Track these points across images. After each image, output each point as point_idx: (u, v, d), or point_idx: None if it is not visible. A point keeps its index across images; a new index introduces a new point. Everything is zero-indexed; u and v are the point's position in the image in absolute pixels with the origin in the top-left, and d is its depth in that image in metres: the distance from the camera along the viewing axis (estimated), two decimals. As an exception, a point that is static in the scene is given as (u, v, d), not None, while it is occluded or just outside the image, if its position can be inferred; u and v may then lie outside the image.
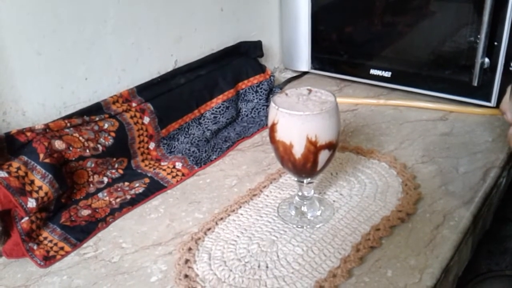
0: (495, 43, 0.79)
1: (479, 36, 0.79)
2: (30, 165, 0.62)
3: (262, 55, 0.99)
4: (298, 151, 0.55)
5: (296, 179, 0.61)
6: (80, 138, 0.68)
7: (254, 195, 0.67)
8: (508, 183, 0.77)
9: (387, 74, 0.93)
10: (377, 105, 0.91)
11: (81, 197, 0.69)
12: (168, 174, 0.73)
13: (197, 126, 0.84)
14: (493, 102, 0.82)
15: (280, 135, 0.56)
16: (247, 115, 0.91)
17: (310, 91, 0.59)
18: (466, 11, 0.83)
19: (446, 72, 0.87)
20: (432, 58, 0.89)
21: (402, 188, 0.66)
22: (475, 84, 0.82)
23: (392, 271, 0.53)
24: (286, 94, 0.59)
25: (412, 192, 0.65)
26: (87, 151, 0.68)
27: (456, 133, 0.80)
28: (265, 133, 0.84)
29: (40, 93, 0.69)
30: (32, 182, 0.61)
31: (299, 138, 0.55)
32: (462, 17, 0.84)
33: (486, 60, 0.80)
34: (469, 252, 0.65)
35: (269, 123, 0.57)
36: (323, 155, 0.56)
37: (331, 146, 0.56)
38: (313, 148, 0.55)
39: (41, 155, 0.63)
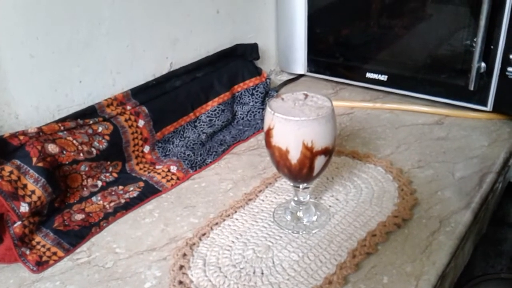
0: (492, 47, 0.79)
1: (475, 40, 0.78)
2: (23, 169, 0.61)
3: (258, 57, 0.98)
4: (294, 156, 0.55)
5: (292, 184, 0.61)
6: (74, 141, 0.67)
7: (250, 199, 0.67)
8: (504, 187, 0.77)
9: (383, 77, 0.93)
10: (373, 108, 0.91)
11: (75, 201, 0.68)
12: (163, 177, 0.73)
13: (192, 129, 0.84)
14: (489, 107, 0.82)
15: (276, 140, 0.55)
16: (242, 118, 0.90)
17: (306, 96, 0.59)
18: (463, 15, 0.83)
19: (442, 76, 0.87)
20: (428, 62, 0.88)
21: (398, 193, 0.66)
22: (472, 88, 0.81)
23: (388, 278, 0.53)
24: (282, 99, 0.58)
25: (408, 197, 0.65)
26: (81, 154, 0.67)
27: (452, 137, 0.80)
28: (261, 136, 0.84)
29: (33, 96, 0.68)
30: (25, 186, 0.60)
31: (295, 143, 0.54)
32: (458, 20, 0.84)
33: (483, 64, 0.80)
34: (466, 258, 0.64)
35: (265, 128, 0.57)
36: (319, 161, 0.56)
37: (327, 152, 0.56)
38: (309, 154, 0.54)
39: (34, 159, 0.62)
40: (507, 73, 0.78)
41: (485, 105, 0.83)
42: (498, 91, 0.80)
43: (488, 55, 0.79)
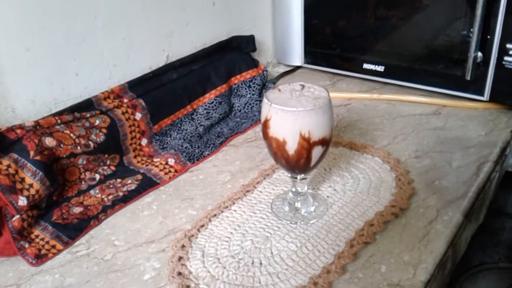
0: (488, 37, 0.79)
1: (472, 30, 0.78)
2: (21, 163, 0.61)
3: (255, 49, 0.98)
4: (291, 147, 0.55)
5: (289, 175, 0.61)
6: (71, 135, 0.67)
7: (248, 191, 0.67)
8: (501, 177, 0.77)
9: (380, 68, 0.93)
10: (370, 99, 0.91)
11: (73, 194, 0.68)
12: (160, 170, 0.73)
13: (189, 122, 0.84)
14: (486, 96, 0.82)
15: (273, 131, 0.55)
16: (240, 110, 0.90)
17: (303, 86, 0.59)
18: (459, 4, 0.83)
19: (439, 66, 0.87)
20: (425, 52, 0.88)
21: (396, 183, 0.66)
22: (468, 78, 0.81)
23: (386, 267, 0.53)
24: (279, 90, 0.58)
25: (405, 187, 0.65)
26: (78, 148, 0.67)
27: (449, 127, 0.80)
28: (258, 128, 0.84)
29: (30, 90, 0.68)
30: (23, 179, 0.61)
31: (292, 134, 0.54)
32: (455, 10, 0.83)
33: (479, 54, 0.80)
34: (463, 247, 0.65)
35: (262, 119, 0.57)
36: (317, 151, 0.56)
37: (325, 142, 0.56)
38: (306, 145, 0.54)
39: (32, 153, 0.62)
40: (503, 63, 0.78)
41: (482, 94, 0.83)
42: (495, 80, 0.81)
43: (484, 45, 0.79)
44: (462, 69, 0.82)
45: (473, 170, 0.68)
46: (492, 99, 0.82)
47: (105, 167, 0.72)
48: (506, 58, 0.78)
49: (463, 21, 0.82)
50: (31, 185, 0.61)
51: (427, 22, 0.87)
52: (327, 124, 0.55)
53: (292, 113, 0.54)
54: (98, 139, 0.70)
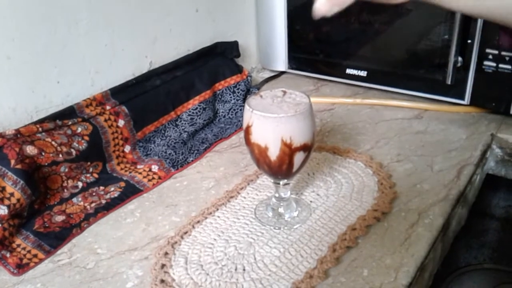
0: (469, 42, 0.80)
1: (452, 35, 0.79)
2: (1, 172, 0.60)
3: (238, 55, 0.98)
4: (273, 153, 0.55)
5: (272, 180, 0.61)
6: (53, 142, 0.67)
7: (231, 197, 0.67)
8: (482, 179, 0.78)
9: (363, 73, 0.94)
10: (353, 104, 0.92)
11: (55, 203, 0.67)
12: (144, 177, 0.73)
13: (173, 128, 0.83)
14: (466, 100, 0.83)
15: (255, 137, 0.56)
16: (224, 116, 0.90)
17: (284, 92, 0.59)
18: (440, 10, 0.84)
19: (421, 71, 0.88)
20: (407, 57, 0.89)
21: (378, 187, 0.67)
22: (449, 82, 0.82)
23: (368, 271, 0.53)
24: (261, 96, 0.59)
25: (387, 191, 0.65)
26: (60, 155, 0.67)
27: (431, 131, 0.81)
28: (243, 134, 0.84)
29: (10, 98, 0.68)
30: (4, 188, 0.60)
31: (274, 140, 0.55)
32: (436, 15, 0.84)
33: (459, 58, 0.81)
34: (445, 249, 0.65)
35: (244, 125, 0.57)
36: (299, 157, 0.56)
37: (306, 148, 0.56)
38: (288, 150, 0.55)
39: (12, 161, 0.61)
40: (483, 67, 0.80)
41: (463, 98, 0.84)
42: (475, 84, 0.82)
43: (465, 50, 0.80)
44: (443, 73, 0.83)
45: (454, 174, 0.69)
46: (473, 103, 0.83)
47: (88, 175, 0.72)
48: (485, 62, 0.79)
49: (444, 26, 0.83)
50: (12, 194, 0.60)
51: (409, 27, 0.88)
52: (309, 130, 0.56)
53: (273, 119, 0.54)
54: (80, 147, 0.70)
